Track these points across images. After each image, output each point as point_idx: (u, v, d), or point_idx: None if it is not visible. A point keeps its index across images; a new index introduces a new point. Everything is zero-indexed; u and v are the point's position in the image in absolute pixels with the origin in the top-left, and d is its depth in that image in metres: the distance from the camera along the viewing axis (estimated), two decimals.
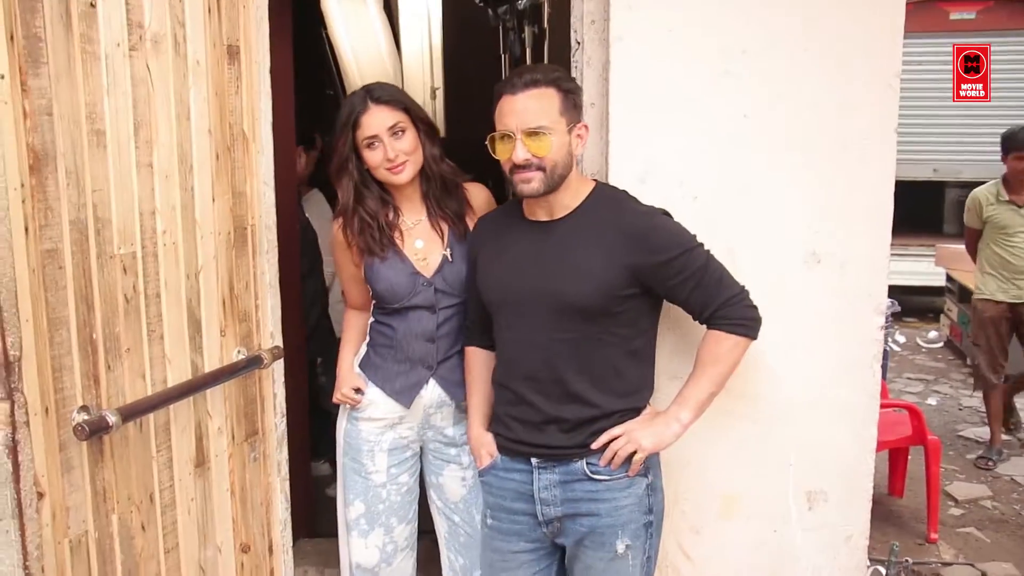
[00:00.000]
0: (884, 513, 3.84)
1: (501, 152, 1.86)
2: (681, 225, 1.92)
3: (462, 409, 2.21)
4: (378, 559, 2.27)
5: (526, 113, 1.82)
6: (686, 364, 1.99)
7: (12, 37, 1.49)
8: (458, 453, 2.24)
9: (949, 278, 6.95)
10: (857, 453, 2.22)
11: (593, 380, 1.90)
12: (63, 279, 1.62)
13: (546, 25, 3.90)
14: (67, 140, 1.60)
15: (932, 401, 5.65)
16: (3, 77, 1.47)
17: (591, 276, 1.85)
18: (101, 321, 1.70)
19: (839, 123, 2.10)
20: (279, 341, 2.24)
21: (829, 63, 2.09)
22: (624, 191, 1.99)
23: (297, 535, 2.75)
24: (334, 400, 2.29)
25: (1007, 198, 4.53)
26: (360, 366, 2.27)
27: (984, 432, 4.90)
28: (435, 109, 6.18)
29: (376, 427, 2.24)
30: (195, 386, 1.94)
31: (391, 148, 2.08)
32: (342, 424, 2.31)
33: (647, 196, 1.99)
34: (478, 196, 2.25)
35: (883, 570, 2.99)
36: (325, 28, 5.50)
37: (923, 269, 7.49)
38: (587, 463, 1.91)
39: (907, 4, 2.09)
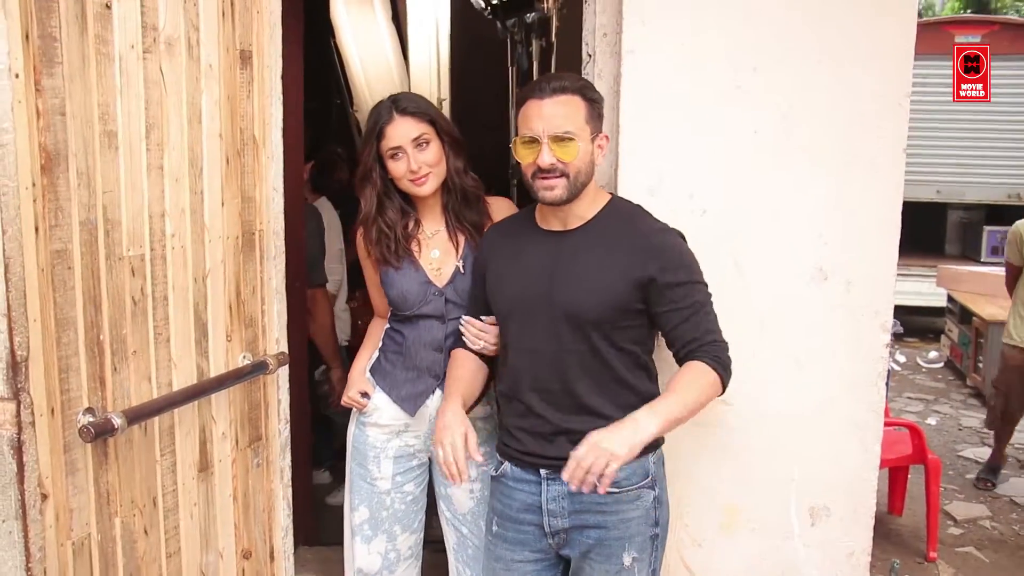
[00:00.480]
0: (883, 531, 3.82)
1: (525, 156, 1.84)
2: (694, 255, 1.91)
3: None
4: (380, 565, 2.26)
5: (553, 118, 1.81)
6: None
7: (28, 37, 1.48)
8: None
9: (950, 299, 6.97)
10: (861, 470, 2.22)
11: (603, 392, 1.89)
12: (72, 280, 1.61)
13: (554, 39, 3.91)
14: (79, 141, 1.60)
15: (932, 421, 5.64)
16: (18, 76, 1.47)
17: (601, 288, 1.85)
18: (108, 323, 1.69)
19: (848, 141, 2.12)
20: (284, 347, 2.23)
21: (840, 81, 2.10)
22: (639, 206, 1.99)
23: (297, 543, 2.74)
24: (342, 403, 2.30)
25: None
26: (371, 371, 2.28)
27: (984, 452, 4.89)
28: None
29: (382, 433, 2.24)
30: (200, 390, 1.93)
31: (414, 160, 2.08)
32: (351, 428, 2.31)
33: (656, 208, 1.99)
34: (501, 210, 2.24)
35: None
36: (334, 37, 5.53)
37: (925, 289, 7.51)
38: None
39: None
